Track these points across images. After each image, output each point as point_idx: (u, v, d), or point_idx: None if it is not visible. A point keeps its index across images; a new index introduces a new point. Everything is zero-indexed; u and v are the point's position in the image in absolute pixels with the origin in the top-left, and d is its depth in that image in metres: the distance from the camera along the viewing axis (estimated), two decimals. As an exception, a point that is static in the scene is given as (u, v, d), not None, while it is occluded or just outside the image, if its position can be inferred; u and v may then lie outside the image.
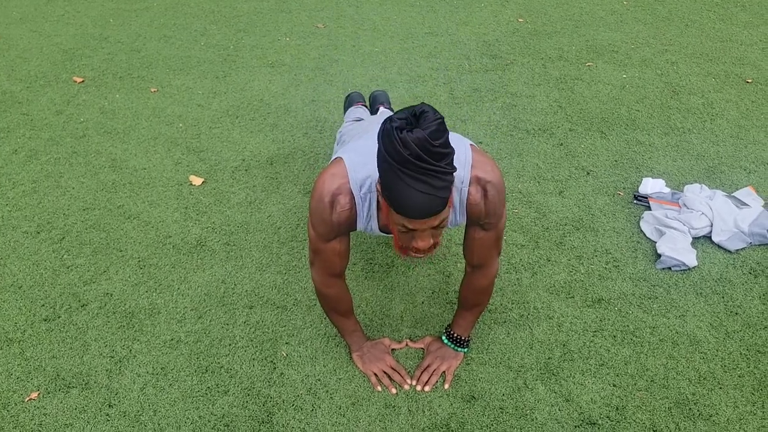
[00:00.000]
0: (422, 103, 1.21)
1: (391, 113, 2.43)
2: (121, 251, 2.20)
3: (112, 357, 1.82)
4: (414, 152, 1.15)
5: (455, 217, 1.48)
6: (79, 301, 2.00)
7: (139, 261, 2.15)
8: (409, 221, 1.25)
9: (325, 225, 1.46)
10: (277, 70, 3.38)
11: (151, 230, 2.29)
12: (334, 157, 1.51)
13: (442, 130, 1.17)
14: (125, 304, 1.99)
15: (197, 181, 2.53)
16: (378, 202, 1.44)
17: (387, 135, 1.17)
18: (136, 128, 2.90)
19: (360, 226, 1.49)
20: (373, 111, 2.49)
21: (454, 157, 1.30)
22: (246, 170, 2.60)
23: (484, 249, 1.58)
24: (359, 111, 2.35)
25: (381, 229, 1.51)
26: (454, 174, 1.29)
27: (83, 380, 1.76)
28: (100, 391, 1.73)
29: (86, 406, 1.69)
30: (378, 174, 1.27)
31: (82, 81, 3.30)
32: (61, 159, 2.69)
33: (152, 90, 3.21)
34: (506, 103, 3.04)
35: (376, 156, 1.31)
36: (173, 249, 2.20)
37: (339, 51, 3.59)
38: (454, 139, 1.45)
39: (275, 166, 2.62)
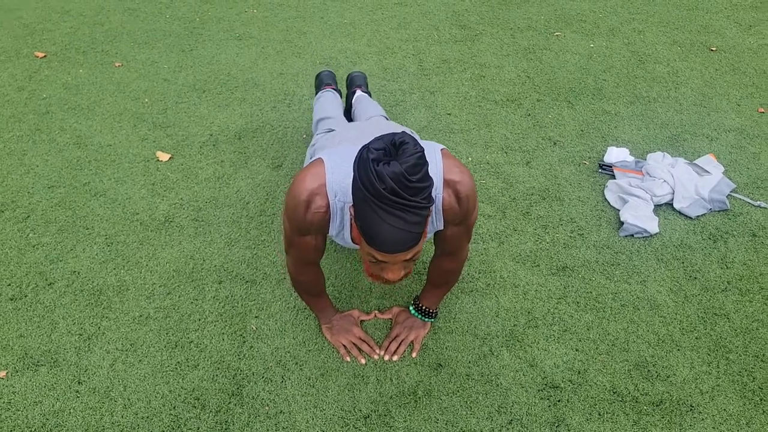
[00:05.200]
0: (403, 132, 1.16)
1: (368, 96, 2.39)
2: (87, 229, 2.18)
3: (81, 334, 1.82)
4: (389, 187, 1.10)
5: (432, 225, 1.46)
6: (46, 279, 1.99)
7: (106, 238, 2.14)
8: (379, 254, 1.21)
9: (299, 222, 1.41)
10: (245, 43, 3.34)
11: (117, 207, 2.27)
12: (314, 159, 1.46)
13: (421, 164, 1.12)
14: (93, 282, 1.98)
15: (164, 157, 2.50)
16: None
17: (363, 166, 1.12)
18: (101, 104, 2.85)
19: (332, 231, 1.45)
20: (350, 93, 2.44)
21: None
22: (214, 145, 2.58)
23: (455, 240, 1.56)
24: (329, 105, 2.23)
25: (353, 240, 1.47)
26: (431, 207, 1.22)
27: (52, 358, 1.76)
28: (69, 368, 1.73)
29: (55, 383, 1.70)
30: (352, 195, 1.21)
31: (44, 56, 3.23)
32: (24, 136, 2.64)
33: (117, 64, 3.15)
34: (475, 74, 3.04)
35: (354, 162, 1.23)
36: (141, 226, 2.19)
37: (307, 23, 3.55)
38: (426, 147, 1.42)
39: (243, 140, 2.60)
